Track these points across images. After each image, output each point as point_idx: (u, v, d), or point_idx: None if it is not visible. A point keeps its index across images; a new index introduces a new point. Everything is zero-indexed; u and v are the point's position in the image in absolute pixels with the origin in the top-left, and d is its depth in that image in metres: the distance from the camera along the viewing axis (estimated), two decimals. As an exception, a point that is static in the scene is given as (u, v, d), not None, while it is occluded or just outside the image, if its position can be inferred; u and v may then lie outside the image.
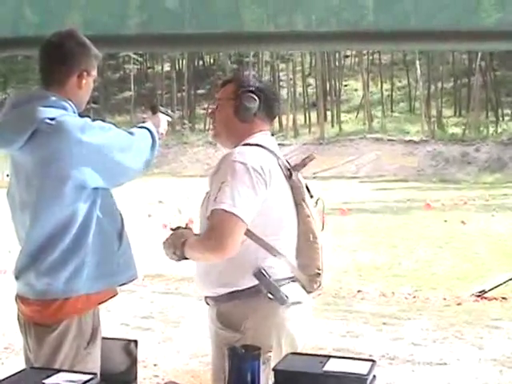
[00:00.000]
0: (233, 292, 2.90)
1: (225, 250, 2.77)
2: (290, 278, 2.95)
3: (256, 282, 2.87)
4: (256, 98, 3.03)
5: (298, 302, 2.96)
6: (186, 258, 2.92)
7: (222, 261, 2.85)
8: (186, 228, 3.04)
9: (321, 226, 3.08)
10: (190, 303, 8.92)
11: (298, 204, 3.01)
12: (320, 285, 3.06)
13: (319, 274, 3.02)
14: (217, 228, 2.77)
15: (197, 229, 3.05)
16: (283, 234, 2.95)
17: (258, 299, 2.87)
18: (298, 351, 2.88)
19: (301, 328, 2.98)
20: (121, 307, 8.32)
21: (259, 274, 2.86)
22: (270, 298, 2.86)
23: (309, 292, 3.04)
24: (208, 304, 3.06)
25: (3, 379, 2.08)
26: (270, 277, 2.86)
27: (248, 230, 2.84)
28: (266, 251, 2.89)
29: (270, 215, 2.90)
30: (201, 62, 73.83)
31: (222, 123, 3.14)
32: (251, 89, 3.05)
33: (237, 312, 2.91)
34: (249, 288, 2.88)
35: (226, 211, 2.75)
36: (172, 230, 3.06)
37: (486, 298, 9.93)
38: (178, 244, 2.91)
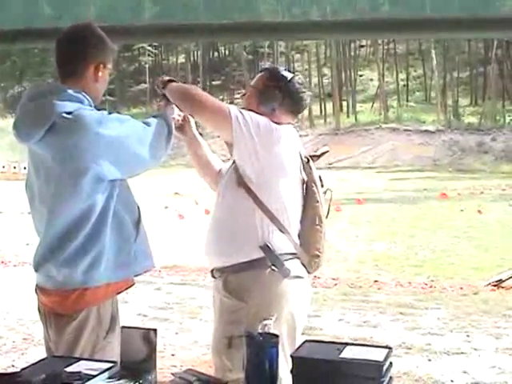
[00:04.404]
0: (239, 263, 3.06)
1: (201, 112, 3.10)
2: (293, 254, 3.11)
3: (261, 254, 3.03)
4: (279, 95, 3.17)
5: (300, 277, 3.12)
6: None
7: (230, 233, 3.07)
8: None
9: (326, 214, 3.26)
10: (206, 294, 8.96)
11: (310, 188, 3.20)
12: (318, 266, 3.24)
13: (318, 255, 3.20)
14: (213, 103, 3.11)
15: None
16: (290, 213, 3.11)
17: (262, 271, 3.04)
18: (297, 330, 3.08)
19: (300, 303, 3.14)
20: (138, 298, 8.37)
21: (265, 247, 3.03)
22: (273, 270, 3.02)
23: (308, 272, 3.21)
24: (214, 277, 3.21)
25: (26, 367, 2.11)
26: (274, 250, 3.03)
27: (259, 201, 3.04)
28: (273, 225, 3.05)
29: (282, 192, 3.07)
30: (216, 54, 73.69)
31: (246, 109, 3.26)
32: (277, 84, 3.18)
33: (242, 282, 3.07)
34: (254, 260, 3.04)
35: (228, 112, 3.02)
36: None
37: (502, 288, 9.89)
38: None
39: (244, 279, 3.06)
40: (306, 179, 3.20)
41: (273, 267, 3.03)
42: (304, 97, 3.26)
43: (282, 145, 3.07)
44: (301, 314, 3.13)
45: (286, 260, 3.06)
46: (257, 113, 3.17)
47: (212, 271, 3.21)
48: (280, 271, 3.03)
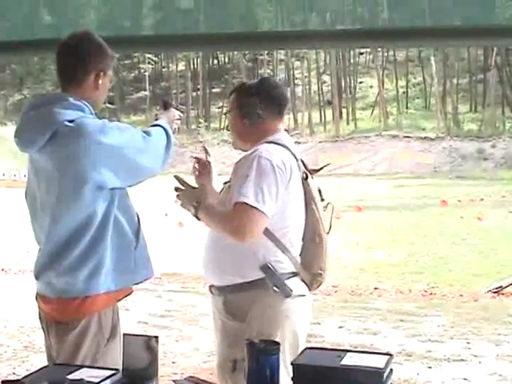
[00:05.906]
0: (239, 283, 3.01)
1: (244, 238, 2.89)
2: (294, 273, 3.06)
3: (262, 275, 2.98)
4: (253, 97, 3.10)
5: (302, 295, 3.07)
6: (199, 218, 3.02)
7: (229, 252, 2.99)
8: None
9: (328, 229, 3.18)
10: (206, 301, 8.93)
11: (309, 206, 3.12)
12: (321, 284, 3.19)
13: (321, 274, 3.14)
14: (240, 219, 2.88)
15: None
16: (291, 231, 3.06)
17: (263, 291, 2.98)
18: (300, 344, 3.00)
19: (303, 321, 3.10)
20: (139, 306, 8.36)
21: (265, 267, 2.97)
22: (275, 291, 2.97)
23: (309, 289, 3.15)
24: (212, 293, 3.16)
25: (28, 375, 2.12)
26: (275, 270, 2.97)
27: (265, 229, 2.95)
28: (273, 245, 3.00)
29: (282, 211, 2.99)
30: (215, 61, 73.72)
31: (235, 133, 3.26)
32: (250, 91, 3.14)
33: (243, 303, 3.02)
34: (255, 280, 2.99)
35: (249, 205, 2.86)
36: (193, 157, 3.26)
37: (503, 294, 9.91)
38: (192, 202, 3.01)
39: (245, 300, 3.00)
40: (304, 196, 3.11)
41: (274, 288, 2.97)
42: (282, 90, 3.21)
43: (291, 178, 3.02)
44: (303, 332, 3.09)
45: (288, 279, 3.00)
46: (243, 130, 3.14)
47: (210, 287, 3.17)
48: (281, 291, 2.98)
